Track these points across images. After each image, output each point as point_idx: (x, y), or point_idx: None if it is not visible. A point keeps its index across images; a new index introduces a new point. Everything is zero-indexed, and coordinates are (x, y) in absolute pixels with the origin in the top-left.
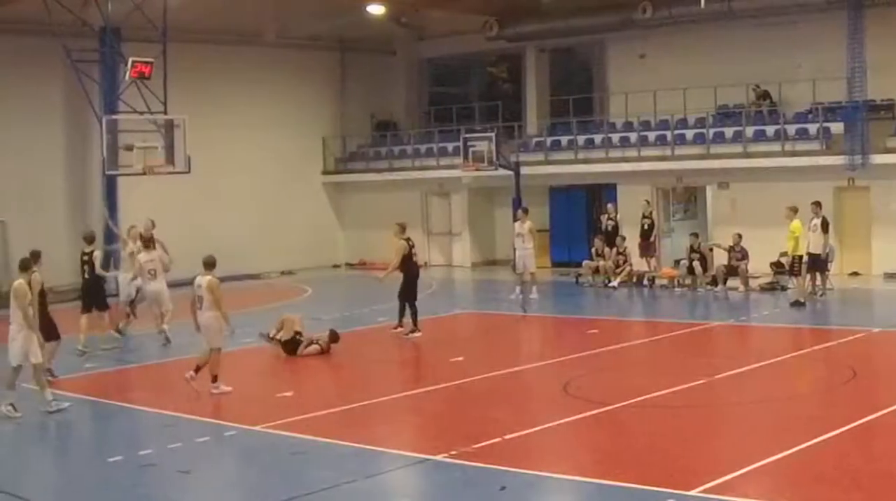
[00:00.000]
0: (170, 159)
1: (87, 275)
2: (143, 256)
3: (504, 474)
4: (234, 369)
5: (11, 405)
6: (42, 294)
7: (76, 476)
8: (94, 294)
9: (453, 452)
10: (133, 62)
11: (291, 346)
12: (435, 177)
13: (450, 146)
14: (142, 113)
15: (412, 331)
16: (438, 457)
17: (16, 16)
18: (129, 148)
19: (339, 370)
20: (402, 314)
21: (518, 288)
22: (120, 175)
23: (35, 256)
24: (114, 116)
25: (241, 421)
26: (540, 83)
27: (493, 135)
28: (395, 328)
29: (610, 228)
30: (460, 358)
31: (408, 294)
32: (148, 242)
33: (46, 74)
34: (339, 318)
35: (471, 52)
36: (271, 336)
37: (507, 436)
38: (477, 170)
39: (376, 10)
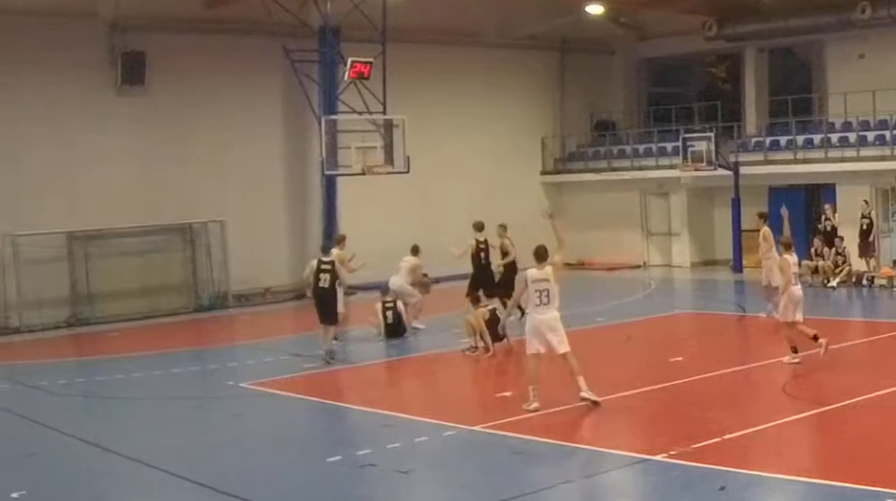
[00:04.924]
0: (389, 159)
1: (324, 285)
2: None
3: (723, 474)
4: (453, 370)
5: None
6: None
7: (296, 476)
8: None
9: (672, 452)
10: (352, 62)
11: (494, 329)
12: (654, 177)
13: (669, 146)
14: (361, 113)
15: None
16: (657, 457)
17: (236, 16)
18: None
19: (557, 370)
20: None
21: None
22: (339, 175)
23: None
24: (333, 116)
25: (460, 421)
26: (759, 83)
27: (712, 135)
28: None
29: (829, 228)
30: (679, 359)
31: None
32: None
33: (266, 74)
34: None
35: (690, 52)
36: (473, 345)
37: (727, 436)
38: (696, 170)
39: (595, 10)
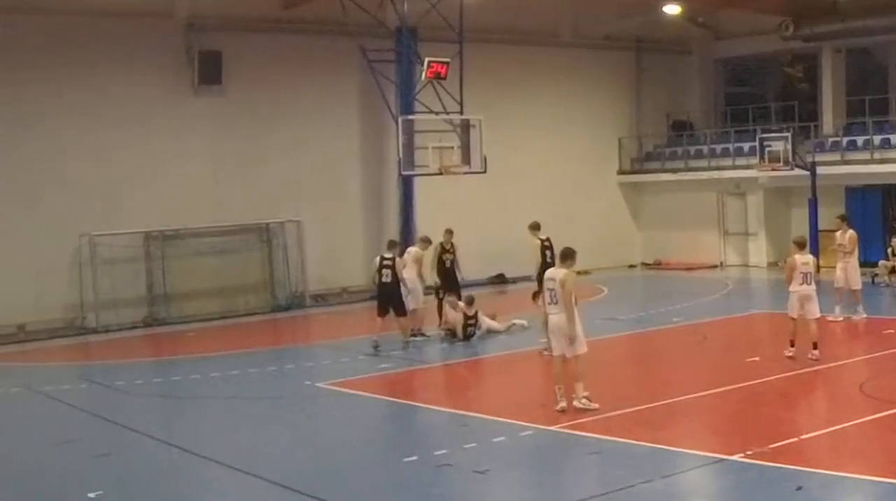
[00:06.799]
0: (465, 159)
1: (386, 280)
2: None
3: (800, 474)
4: (529, 370)
5: (586, 397)
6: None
7: (372, 476)
8: (397, 298)
9: (749, 452)
10: (429, 62)
11: None
12: (731, 177)
13: (745, 146)
14: (437, 113)
15: None
16: (734, 457)
17: (313, 16)
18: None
19: (634, 370)
20: None
21: (837, 308)
22: (415, 175)
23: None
24: (410, 116)
25: (536, 421)
26: (836, 83)
27: (788, 135)
28: None
29: None
30: (756, 359)
31: None
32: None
33: (343, 74)
34: (635, 319)
35: (766, 52)
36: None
37: (804, 436)
38: (773, 170)
39: (672, 9)
